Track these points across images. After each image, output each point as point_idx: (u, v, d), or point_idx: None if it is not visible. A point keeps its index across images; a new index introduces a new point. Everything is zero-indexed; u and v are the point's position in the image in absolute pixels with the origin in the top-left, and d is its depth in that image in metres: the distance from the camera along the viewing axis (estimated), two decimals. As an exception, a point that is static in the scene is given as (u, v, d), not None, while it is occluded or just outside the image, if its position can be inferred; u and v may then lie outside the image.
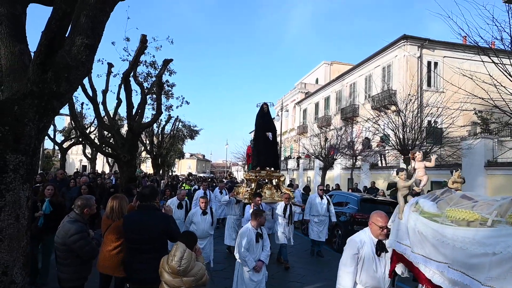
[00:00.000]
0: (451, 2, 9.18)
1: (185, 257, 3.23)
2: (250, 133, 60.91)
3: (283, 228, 8.15)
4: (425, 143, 14.43)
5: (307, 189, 16.38)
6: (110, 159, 28.42)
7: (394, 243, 3.42)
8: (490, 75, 8.61)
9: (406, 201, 3.51)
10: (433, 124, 16.61)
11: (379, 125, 15.84)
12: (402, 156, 13.91)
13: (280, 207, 8.36)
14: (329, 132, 24.34)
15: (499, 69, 8.47)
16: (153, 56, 12.94)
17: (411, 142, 13.40)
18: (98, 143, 14.90)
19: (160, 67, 10.91)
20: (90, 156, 28.39)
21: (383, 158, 19.08)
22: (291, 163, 33.31)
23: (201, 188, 11.61)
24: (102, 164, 42.94)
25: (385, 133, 15.33)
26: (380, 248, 3.40)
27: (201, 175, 64.82)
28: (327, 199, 9.54)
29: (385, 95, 21.01)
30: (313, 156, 21.51)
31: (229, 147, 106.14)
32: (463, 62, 14.32)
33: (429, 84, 21.11)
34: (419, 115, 14.59)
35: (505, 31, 8.29)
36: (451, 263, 2.63)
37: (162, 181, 18.89)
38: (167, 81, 13.32)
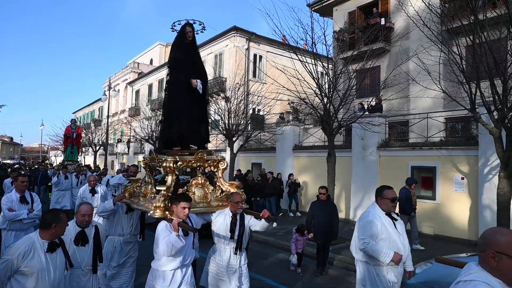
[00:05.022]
0: (270, 1, 10.18)
1: None
2: (73, 113, 53.91)
3: (227, 259, 4.30)
4: (248, 128, 15.81)
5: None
6: None
7: None
8: (296, 71, 10.00)
9: None
10: (256, 112, 18.37)
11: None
12: (227, 140, 14.80)
13: (221, 219, 4.37)
14: (161, 115, 23.81)
15: (303, 66, 9.91)
16: None
17: (235, 127, 14.39)
18: None
19: None
20: None
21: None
22: (121, 147, 31.25)
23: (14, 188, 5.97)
24: None
25: (214, 118, 15.99)
26: None
27: (8, 161, 53.77)
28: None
29: (216, 82, 21.93)
30: (143, 140, 20.64)
31: (45, 128, 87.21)
32: (276, 57, 16.21)
33: (254, 75, 23.12)
34: (243, 102, 15.80)
35: (308, 34, 9.72)
36: None
37: None
38: None
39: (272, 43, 22.65)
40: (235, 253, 4.30)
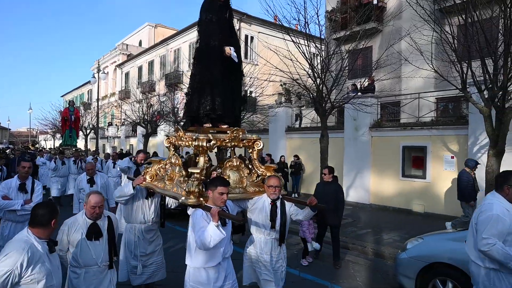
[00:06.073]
0: (262, -20, 10.00)
1: None
2: (62, 96, 52.95)
3: (269, 251, 3.84)
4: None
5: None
6: None
7: None
8: (289, 52, 9.92)
9: None
10: (248, 94, 18.25)
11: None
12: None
13: (260, 206, 3.89)
14: (152, 98, 23.58)
15: (296, 47, 9.83)
16: None
17: (228, 109, 14.31)
18: None
19: None
20: None
21: None
22: (112, 131, 31.02)
23: None
24: None
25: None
26: None
27: (-4, 146, 52.99)
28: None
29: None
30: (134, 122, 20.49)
31: (34, 112, 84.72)
32: (268, 38, 16.01)
33: (246, 57, 22.88)
34: (235, 84, 15.69)
35: (300, 13, 9.60)
36: None
37: None
38: None
39: (264, 23, 22.37)
40: (279, 245, 3.83)
